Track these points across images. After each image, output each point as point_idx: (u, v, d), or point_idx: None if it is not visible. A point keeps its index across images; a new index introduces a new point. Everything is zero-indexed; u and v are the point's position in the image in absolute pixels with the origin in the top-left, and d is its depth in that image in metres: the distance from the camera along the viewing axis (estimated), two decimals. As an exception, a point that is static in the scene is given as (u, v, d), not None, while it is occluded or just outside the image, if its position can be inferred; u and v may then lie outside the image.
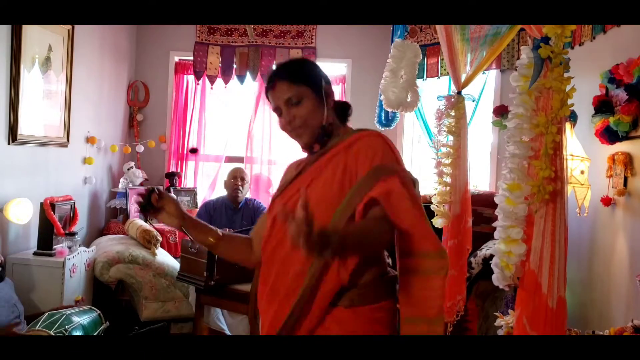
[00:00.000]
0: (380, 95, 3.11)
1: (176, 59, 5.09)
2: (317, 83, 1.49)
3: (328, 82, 1.54)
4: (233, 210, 3.79)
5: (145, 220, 1.45)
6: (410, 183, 1.37)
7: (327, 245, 1.10)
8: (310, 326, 1.41)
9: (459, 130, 2.68)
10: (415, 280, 1.38)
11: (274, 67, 1.59)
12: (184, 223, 1.54)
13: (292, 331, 1.41)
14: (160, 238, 3.93)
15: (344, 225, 1.30)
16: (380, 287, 1.45)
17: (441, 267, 1.35)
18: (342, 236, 1.15)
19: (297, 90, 1.46)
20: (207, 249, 1.62)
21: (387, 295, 1.45)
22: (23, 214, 3.16)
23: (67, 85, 3.81)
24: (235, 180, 3.77)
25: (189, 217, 1.56)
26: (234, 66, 4.98)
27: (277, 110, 1.49)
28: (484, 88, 4.09)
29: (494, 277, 1.77)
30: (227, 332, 3.48)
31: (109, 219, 4.67)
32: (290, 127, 1.47)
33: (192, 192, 4.98)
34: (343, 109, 1.56)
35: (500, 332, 2.25)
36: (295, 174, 1.52)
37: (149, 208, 1.50)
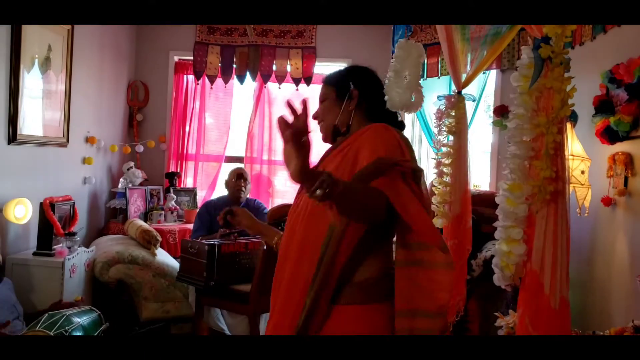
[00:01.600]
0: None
1: (176, 58, 5.09)
2: (342, 85, 1.60)
3: (362, 88, 1.60)
4: (234, 210, 3.79)
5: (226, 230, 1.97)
6: (411, 176, 1.37)
7: (322, 184, 1.15)
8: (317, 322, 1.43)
9: (459, 130, 2.68)
10: (420, 272, 1.39)
11: None
12: (257, 229, 1.87)
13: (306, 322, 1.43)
14: (160, 238, 3.93)
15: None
16: (382, 286, 1.45)
17: (447, 262, 1.36)
18: (339, 182, 1.19)
19: (325, 90, 1.64)
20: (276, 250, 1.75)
21: (387, 296, 1.44)
22: (23, 214, 3.15)
23: (66, 85, 3.80)
24: (238, 180, 3.77)
25: (259, 224, 1.88)
26: (234, 66, 4.97)
27: None
28: (485, 88, 4.08)
29: (494, 277, 1.76)
30: (227, 332, 3.48)
31: (109, 219, 4.67)
32: (316, 120, 1.64)
33: (191, 192, 4.98)
34: (383, 117, 1.62)
35: (501, 333, 2.25)
36: (315, 166, 1.57)
37: (229, 225, 1.88)
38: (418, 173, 1.39)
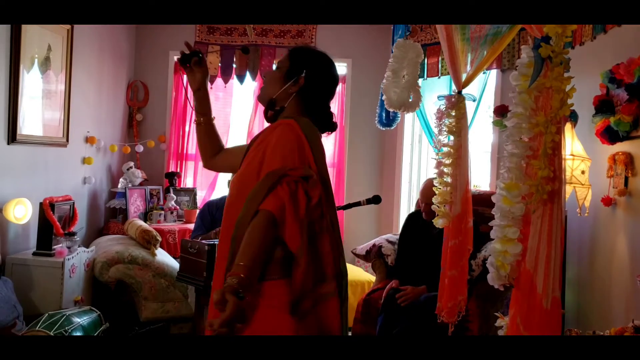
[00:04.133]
0: (382, 95, 3.11)
1: (175, 58, 5.08)
2: (296, 67, 1.65)
3: (311, 80, 1.64)
4: (234, 210, 3.79)
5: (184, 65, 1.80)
6: (302, 181, 1.44)
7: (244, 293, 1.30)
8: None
9: (459, 130, 2.68)
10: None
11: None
12: (199, 94, 1.81)
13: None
14: (159, 238, 3.93)
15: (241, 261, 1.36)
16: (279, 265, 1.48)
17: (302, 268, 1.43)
18: (248, 277, 1.32)
19: (283, 60, 1.69)
20: (194, 123, 1.88)
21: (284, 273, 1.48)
22: (22, 214, 3.15)
23: (66, 85, 3.80)
24: None
25: (205, 91, 1.82)
26: (234, 66, 4.97)
27: None
28: (485, 88, 4.08)
29: (489, 276, 1.76)
30: (227, 332, 3.47)
31: (109, 219, 4.67)
32: (263, 78, 1.75)
33: (191, 192, 4.98)
34: (317, 113, 1.67)
35: (501, 333, 2.25)
36: (249, 144, 1.69)
37: (185, 64, 1.78)
38: (310, 178, 1.47)
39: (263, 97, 1.70)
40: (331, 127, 1.72)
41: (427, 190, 3.25)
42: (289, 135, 1.53)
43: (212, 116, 1.85)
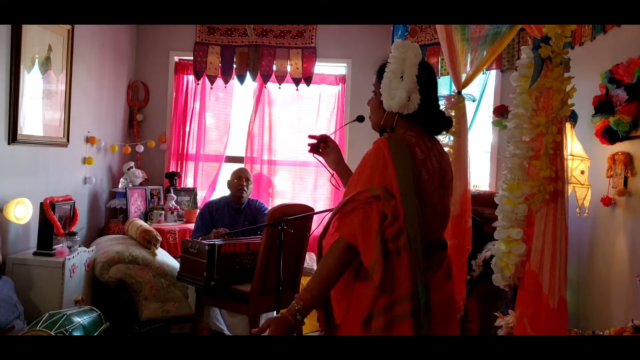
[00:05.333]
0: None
1: (176, 58, 5.09)
2: None
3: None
4: (236, 210, 3.80)
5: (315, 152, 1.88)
6: (370, 213, 1.48)
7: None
8: None
9: (459, 130, 2.69)
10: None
11: None
12: (339, 169, 1.87)
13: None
14: (160, 238, 3.93)
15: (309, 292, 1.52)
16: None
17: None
18: (308, 307, 1.49)
19: (376, 85, 1.72)
20: None
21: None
22: (23, 214, 3.15)
23: (67, 85, 3.80)
24: (240, 180, 3.78)
25: (344, 165, 1.87)
26: (234, 66, 4.97)
27: None
28: (485, 88, 4.09)
29: (493, 277, 1.76)
30: (227, 332, 3.48)
31: (109, 219, 4.67)
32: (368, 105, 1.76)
33: (192, 192, 4.98)
34: (426, 118, 1.66)
35: (500, 332, 2.25)
36: None
37: (316, 151, 1.88)
38: (380, 196, 1.49)
39: (373, 125, 1.74)
40: (446, 124, 1.69)
41: None
42: (374, 157, 1.55)
43: None
